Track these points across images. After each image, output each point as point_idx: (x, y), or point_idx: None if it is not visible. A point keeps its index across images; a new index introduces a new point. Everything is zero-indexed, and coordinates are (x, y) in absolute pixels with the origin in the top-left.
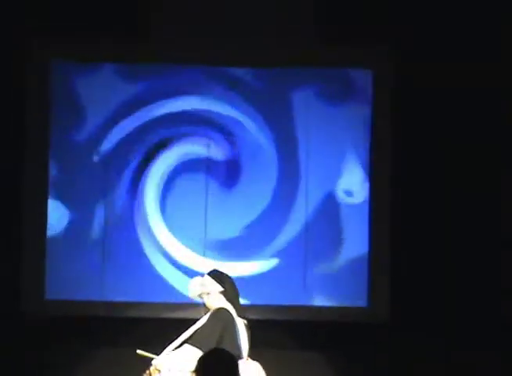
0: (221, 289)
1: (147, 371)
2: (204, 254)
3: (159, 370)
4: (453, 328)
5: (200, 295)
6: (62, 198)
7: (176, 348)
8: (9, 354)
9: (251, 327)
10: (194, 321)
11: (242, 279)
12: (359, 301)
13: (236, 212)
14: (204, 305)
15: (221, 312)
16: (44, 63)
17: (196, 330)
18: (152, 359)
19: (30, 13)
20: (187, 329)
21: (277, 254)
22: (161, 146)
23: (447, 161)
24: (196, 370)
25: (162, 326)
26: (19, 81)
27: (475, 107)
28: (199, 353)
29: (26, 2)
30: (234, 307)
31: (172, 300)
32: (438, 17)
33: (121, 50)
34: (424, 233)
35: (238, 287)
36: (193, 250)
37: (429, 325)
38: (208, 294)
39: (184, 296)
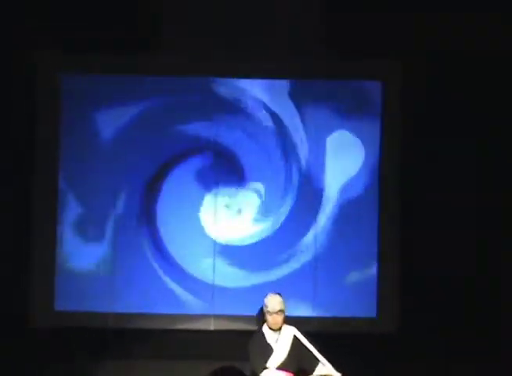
0: None
1: None
2: (214, 267)
3: None
4: (461, 339)
5: (280, 311)
6: (71, 211)
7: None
8: (17, 364)
9: None
10: (202, 332)
11: (253, 289)
12: (369, 312)
13: (247, 226)
14: (263, 320)
15: None
16: (53, 76)
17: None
18: None
19: (36, 27)
20: (195, 340)
21: (287, 265)
22: (172, 159)
23: (458, 171)
24: None
25: (170, 337)
26: (28, 93)
27: (487, 118)
28: None
29: (32, 16)
30: None
31: (181, 311)
32: (447, 29)
33: (130, 62)
34: (433, 245)
35: (248, 298)
36: (203, 262)
37: (437, 336)
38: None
39: (192, 308)
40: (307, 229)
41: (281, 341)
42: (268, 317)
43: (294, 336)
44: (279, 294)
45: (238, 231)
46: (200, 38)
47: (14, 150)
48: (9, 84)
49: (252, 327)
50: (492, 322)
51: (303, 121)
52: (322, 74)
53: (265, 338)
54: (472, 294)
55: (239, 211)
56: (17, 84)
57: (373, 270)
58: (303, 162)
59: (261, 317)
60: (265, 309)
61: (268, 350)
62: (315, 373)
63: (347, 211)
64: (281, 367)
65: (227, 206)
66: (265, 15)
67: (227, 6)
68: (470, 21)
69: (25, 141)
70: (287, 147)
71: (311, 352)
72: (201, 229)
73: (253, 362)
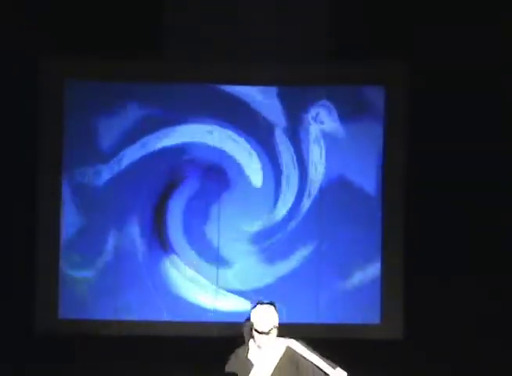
0: None
1: None
2: (218, 273)
3: None
4: (465, 345)
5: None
6: (75, 218)
7: None
8: (22, 372)
9: None
10: (206, 339)
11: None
12: (372, 318)
13: (250, 232)
14: (249, 337)
15: None
16: (57, 82)
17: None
18: None
19: (42, 33)
20: (199, 346)
21: (290, 272)
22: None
23: (461, 175)
24: None
25: (173, 344)
26: (32, 99)
27: (489, 120)
28: None
29: (38, 21)
30: None
31: (185, 319)
32: (449, 32)
33: (133, 69)
34: (436, 251)
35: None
36: (208, 267)
37: (441, 342)
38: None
39: (196, 314)
40: (310, 238)
41: (267, 353)
42: (256, 335)
43: (288, 347)
44: (271, 304)
45: (239, 240)
46: (200, 45)
47: (17, 155)
48: (13, 89)
49: None
50: (496, 325)
51: (306, 127)
52: (326, 78)
53: (247, 352)
54: (476, 298)
55: (242, 222)
56: (21, 88)
57: (376, 276)
58: (305, 169)
59: (248, 329)
60: (251, 325)
61: (245, 366)
62: None
63: (349, 214)
64: None
65: (230, 219)
66: (266, 19)
67: (226, 10)
68: (478, 29)
69: (28, 146)
70: (291, 154)
71: (316, 366)
72: (204, 236)
73: None
